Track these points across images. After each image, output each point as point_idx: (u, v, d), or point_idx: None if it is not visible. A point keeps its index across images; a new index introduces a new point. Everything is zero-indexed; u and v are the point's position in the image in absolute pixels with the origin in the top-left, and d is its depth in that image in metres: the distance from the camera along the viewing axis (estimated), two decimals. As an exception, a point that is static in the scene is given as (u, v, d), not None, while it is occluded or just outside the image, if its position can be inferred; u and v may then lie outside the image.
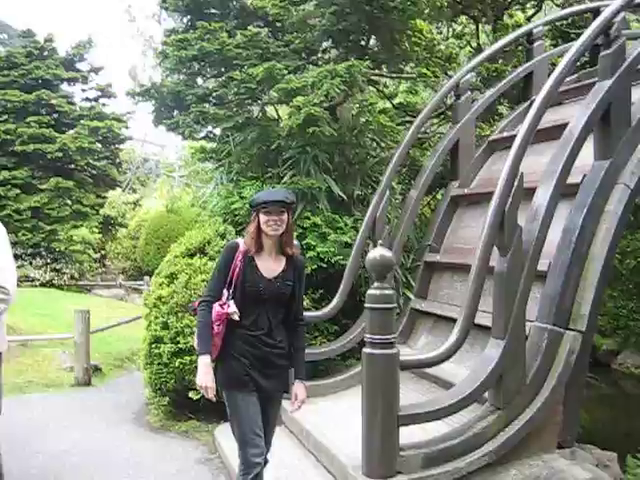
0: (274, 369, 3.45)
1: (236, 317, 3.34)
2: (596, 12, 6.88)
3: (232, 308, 3.34)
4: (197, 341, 3.41)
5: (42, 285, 17.60)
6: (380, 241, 4.43)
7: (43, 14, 64.92)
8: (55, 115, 20.23)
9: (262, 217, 3.35)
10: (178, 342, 5.93)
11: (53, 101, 19.87)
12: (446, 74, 9.36)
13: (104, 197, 21.58)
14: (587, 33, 5.10)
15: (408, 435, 3.98)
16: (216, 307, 3.36)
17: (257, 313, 3.39)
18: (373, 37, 8.21)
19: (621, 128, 5.12)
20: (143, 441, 5.84)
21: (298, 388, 3.53)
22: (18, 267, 16.71)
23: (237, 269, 3.39)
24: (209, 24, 7.36)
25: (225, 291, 3.40)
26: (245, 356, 3.36)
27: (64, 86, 21.63)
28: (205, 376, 3.30)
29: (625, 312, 12.21)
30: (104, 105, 21.96)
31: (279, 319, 3.47)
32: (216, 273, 3.49)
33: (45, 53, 20.77)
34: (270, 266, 3.43)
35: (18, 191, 19.19)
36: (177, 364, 5.91)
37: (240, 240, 3.51)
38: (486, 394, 4.32)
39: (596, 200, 4.87)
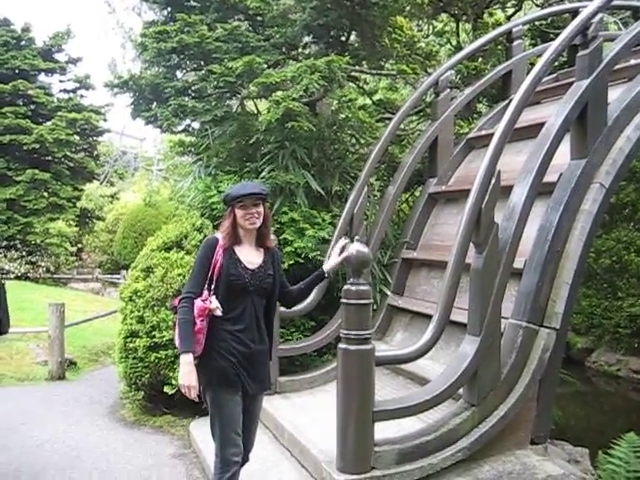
0: (260, 368, 3.42)
1: (219, 312, 3.26)
2: (575, 13, 6.95)
3: (215, 303, 3.26)
4: (178, 340, 3.27)
5: (17, 278, 17.35)
6: (357, 237, 4.43)
7: (20, 3, 64.01)
8: (32, 106, 19.93)
9: (238, 212, 3.32)
10: (154, 336, 5.88)
11: (30, 92, 19.59)
12: (426, 71, 9.36)
13: (81, 190, 21.33)
14: (565, 33, 5.14)
15: (383, 431, 3.99)
16: (198, 302, 3.25)
17: (242, 307, 3.33)
18: (354, 33, 8.21)
19: (597, 128, 5.16)
20: (117, 436, 5.79)
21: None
22: (-8, 259, 16.56)
23: (218, 264, 3.31)
24: (189, 17, 7.32)
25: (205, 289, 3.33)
26: (233, 354, 3.27)
27: (41, 77, 21.37)
28: (189, 375, 3.19)
29: (599, 311, 12.35)
30: (82, 97, 21.75)
31: (262, 313, 3.43)
32: (197, 269, 3.36)
33: (22, 43, 20.47)
34: (251, 258, 3.40)
35: (-7, 183, 18.95)
36: (152, 358, 5.87)
37: (219, 235, 3.43)
38: (461, 390, 4.34)
39: (572, 199, 4.91)
